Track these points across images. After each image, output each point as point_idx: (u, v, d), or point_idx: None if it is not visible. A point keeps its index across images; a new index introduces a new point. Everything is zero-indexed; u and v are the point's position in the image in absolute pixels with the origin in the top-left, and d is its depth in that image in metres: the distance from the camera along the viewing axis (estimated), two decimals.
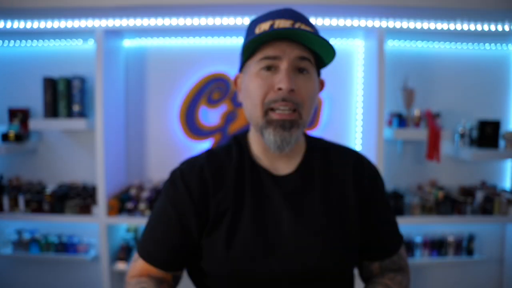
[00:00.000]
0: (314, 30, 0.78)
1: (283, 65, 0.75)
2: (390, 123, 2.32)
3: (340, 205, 0.83)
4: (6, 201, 2.21)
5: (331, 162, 0.87)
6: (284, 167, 0.85)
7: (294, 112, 0.76)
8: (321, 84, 0.88)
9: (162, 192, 0.86)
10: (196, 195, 0.81)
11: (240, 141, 0.88)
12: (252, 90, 0.78)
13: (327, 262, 0.79)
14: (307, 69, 0.78)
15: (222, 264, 0.79)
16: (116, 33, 2.22)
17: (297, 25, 0.76)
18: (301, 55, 0.76)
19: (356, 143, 2.41)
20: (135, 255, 0.86)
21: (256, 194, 0.82)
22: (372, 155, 2.16)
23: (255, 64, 0.78)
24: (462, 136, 2.30)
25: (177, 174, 0.84)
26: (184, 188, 0.82)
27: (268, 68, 0.77)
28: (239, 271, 0.78)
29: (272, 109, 0.76)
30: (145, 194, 2.23)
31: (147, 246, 0.83)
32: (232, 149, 0.87)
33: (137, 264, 0.84)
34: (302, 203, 0.82)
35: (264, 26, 0.77)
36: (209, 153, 0.88)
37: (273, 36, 0.75)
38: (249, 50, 0.79)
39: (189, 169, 0.84)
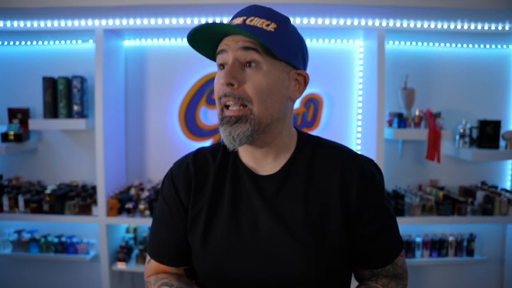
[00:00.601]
0: (270, 23, 0.76)
1: (229, 60, 0.76)
2: (390, 123, 2.32)
3: (323, 211, 0.79)
4: (5, 201, 2.21)
5: (318, 164, 0.82)
6: (269, 167, 0.83)
7: (244, 108, 0.76)
8: (302, 77, 0.82)
9: (159, 193, 0.90)
10: (183, 194, 0.85)
11: None
12: (214, 89, 0.81)
13: (303, 269, 0.76)
14: (256, 62, 0.75)
15: (201, 262, 0.82)
16: (116, 33, 2.21)
17: (248, 21, 0.76)
18: (244, 45, 0.75)
19: (356, 143, 2.41)
20: (148, 257, 0.90)
21: (235, 194, 0.82)
22: (372, 155, 2.16)
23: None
24: (462, 136, 2.30)
25: (168, 175, 0.89)
26: (173, 187, 0.86)
27: (222, 65, 0.79)
28: (216, 270, 0.80)
29: (227, 107, 0.78)
30: (145, 194, 2.23)
31: (154, 247, 0.88)
32: (220, 148, 0.87)
33: (151, 265, 0.88)
34: (281, 205, 0.79)
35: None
36: (196, 152, 0.90)
37: (218, 34, 0.77)
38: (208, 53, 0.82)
39: (177, 169, 0.88)
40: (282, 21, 0.78)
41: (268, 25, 0.76)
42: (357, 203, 0.80)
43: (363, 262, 0.84)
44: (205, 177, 0.85)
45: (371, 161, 0.86)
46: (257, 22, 0.76)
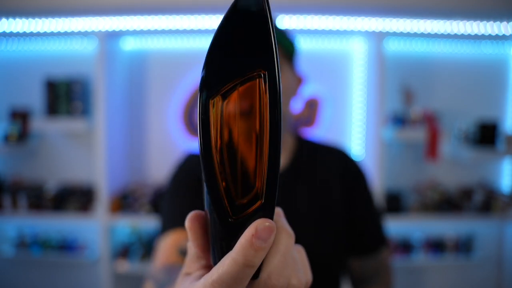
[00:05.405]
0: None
1: None
2: (389, 123, 2.33)
3: (326, 199, 0.88)
4: (7, 202, 2.22)
5: (318, 160, 0.92)
6: None
7: None
8: (299, 80, 0.91)
9: (171, 179, 0.89)
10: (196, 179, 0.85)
11: None
12: None
13: (318, 248, 0.82)
14: None
15: None
16: (117, 35, 2.22)
17: None
18: None
19: (356, 144, 2.42)
20: (158, 241, 0.80)
21: None
22: (372, 155, 2.17)
23: None
24: (461, 136, 2.31)
25: (182, 160, 0.92)
26: (193, 165, 0.88)
27: None
28: None
29: None
30: (146, 194, 2.24)
31: (176, 215, 0.79)
32: None
33: (167, 241, 0.76)
34: (290, 195, 0.86)
35: None
36: (190, 156, 0.94)
37: None
38: None
39: (189, 158, 0.92)
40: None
41: None
42: (351, 191, 0.90)
43: (353, 245, 0.91)
44: None
45: (356, 160, 1.00)
46: None
